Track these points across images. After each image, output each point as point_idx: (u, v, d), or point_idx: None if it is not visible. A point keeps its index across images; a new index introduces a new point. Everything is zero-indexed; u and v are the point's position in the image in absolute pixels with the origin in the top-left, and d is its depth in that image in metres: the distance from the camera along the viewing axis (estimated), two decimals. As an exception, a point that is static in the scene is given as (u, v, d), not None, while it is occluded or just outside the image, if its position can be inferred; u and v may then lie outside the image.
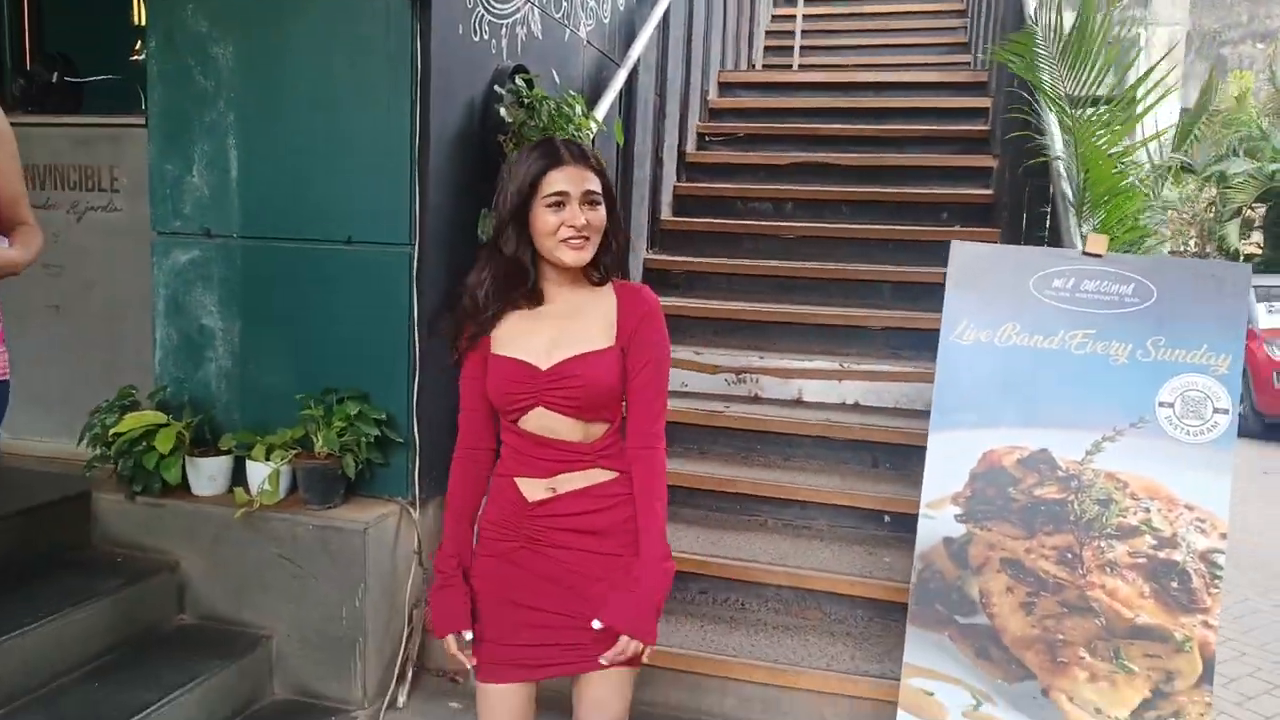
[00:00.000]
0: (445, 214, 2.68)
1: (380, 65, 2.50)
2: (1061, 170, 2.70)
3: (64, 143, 3.16)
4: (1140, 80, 2.65)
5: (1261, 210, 12.32)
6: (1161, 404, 2.05)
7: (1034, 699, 2.03)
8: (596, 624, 1.50)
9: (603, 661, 1.51)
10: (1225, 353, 2.03)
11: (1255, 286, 8.96)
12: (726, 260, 4.24)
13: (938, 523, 2.15)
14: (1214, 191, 12.84)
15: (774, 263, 4.15)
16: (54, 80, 3.37)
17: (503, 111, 2.71)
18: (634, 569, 1.51)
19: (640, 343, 1.52)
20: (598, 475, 1.54)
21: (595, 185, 1.48)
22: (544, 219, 1.46)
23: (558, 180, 1.45)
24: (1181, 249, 13.87)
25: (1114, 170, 2.44)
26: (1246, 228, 12.89)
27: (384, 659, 2.56)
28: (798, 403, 3.58)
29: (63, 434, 2.89)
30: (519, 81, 2.83)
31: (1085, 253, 2.13)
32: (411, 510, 2.60)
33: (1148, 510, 2.03)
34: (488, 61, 2.87)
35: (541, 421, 1.51)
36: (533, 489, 1.54)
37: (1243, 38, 14.09)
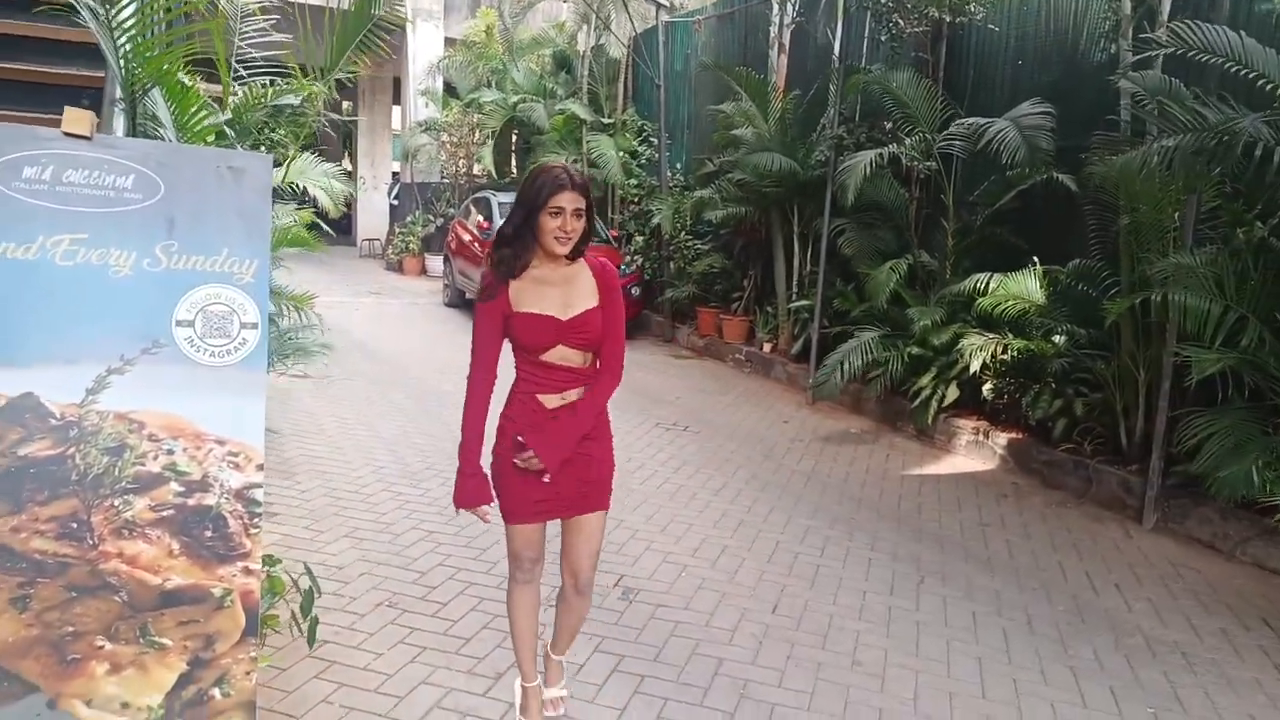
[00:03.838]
0: None
1: None
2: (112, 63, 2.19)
3: None
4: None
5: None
6: (180, 323, 1.70)
7: (38, 717, 1.57)
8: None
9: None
10: (251, 258, 1.75)
11: (501, 203, 10.16)
12: None
13: None
14: (475, 117, 14.14)
15: None
16: None
17: None
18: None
19: (610, 301, 2.32)
20: (581, 389, 2.34)
21: (582, 205, 2.23)
22: (547, 223, 2.21)
23: (561, 200, 2.19)
24: (454, 168, 15.11)
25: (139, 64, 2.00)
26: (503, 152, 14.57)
27: None
28: None
29: None
30: None
31: (66, 133, 1.64)
32: None
33: (171, 452, 1.68)
34: None
35: (561, 354, 2.28)
36: (550, 401, 2.30)
37: (492, -22, 15.58)
